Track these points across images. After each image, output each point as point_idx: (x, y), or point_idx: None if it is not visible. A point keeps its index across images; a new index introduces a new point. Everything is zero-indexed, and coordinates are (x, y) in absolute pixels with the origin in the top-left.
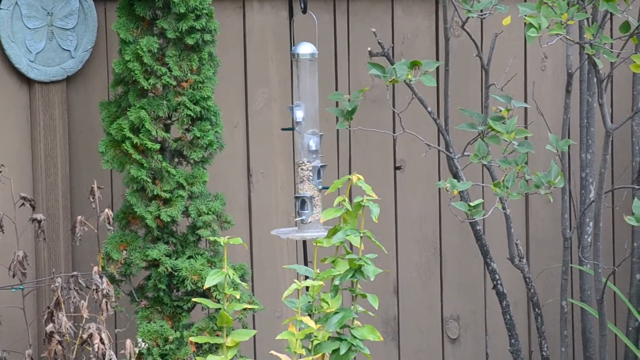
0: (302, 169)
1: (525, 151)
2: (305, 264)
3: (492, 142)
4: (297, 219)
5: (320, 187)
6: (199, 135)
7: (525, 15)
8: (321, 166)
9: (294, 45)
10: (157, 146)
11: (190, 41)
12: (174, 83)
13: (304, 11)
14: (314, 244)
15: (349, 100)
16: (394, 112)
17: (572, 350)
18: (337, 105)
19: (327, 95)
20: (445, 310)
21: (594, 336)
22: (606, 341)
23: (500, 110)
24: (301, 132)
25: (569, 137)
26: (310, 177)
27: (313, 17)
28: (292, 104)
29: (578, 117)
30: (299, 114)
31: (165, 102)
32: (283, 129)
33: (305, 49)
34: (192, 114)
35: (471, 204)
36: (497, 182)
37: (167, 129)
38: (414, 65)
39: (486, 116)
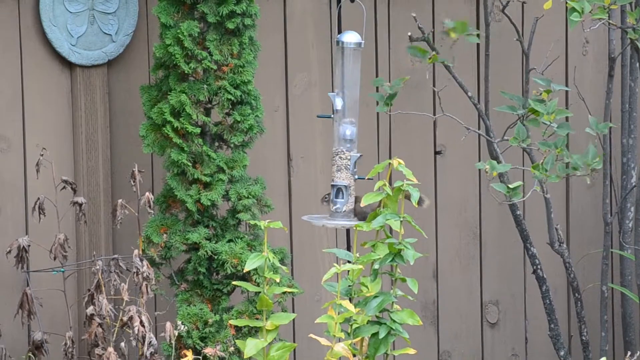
0: (340, 158)
1: (565, 133)
2: (348, 248)
3: (532, 125)
4: (332, 207)
5: (356, 176)
6: (239, 120)
7: (568, 0)
8: (359, 156)
9: (339, 33)
10: (198, 130)
11: (230, 25)
12: (215, 67)
13: (352, 0)
14: (354, 228)
15: (389, 87)
16: (434, 97)
17: (612, 334)
18: (377, 91)
19: (368, 82)
20: (484, 295)
21: (634, 321)
22: None
23: (540, 93)
24: (338, 121)
25: (609, 122)
26: (348, 166)
27: (361, 5)
28: (333, 91)
29: (619, 102)
30: (339, 102)
31: (205, 86)
32: (319, 116)
33: (351, 37)
34: (232, 98)
35: (510, 185)
36: (536, 164)
37: (207, 113)
38: (460, 25)
39: (526, 100)
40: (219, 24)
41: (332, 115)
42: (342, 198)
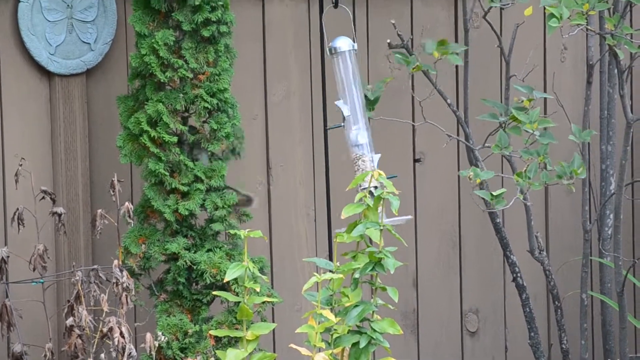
0: (363, 161)
1: (547, 142)
2: (330, 257)
3: (514, 133)
4: None
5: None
6: (215, 128)
7: (547, 6)
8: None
9: (322, 40)
10: (175, 139)
11: (205, 33)
12: (191, 75)
13: (336, 5)
14: (334, 238)
15: (371, 90)
16: (413, 105)
17: (591, 343)
18: None
19: None
20: (464, 303)
21: (613, 329)
22: (626, 334)
23: (522, 101)
24: (351, 128)
25: (589, 129)
26: (373, 168)
27: (346, 10)
28: (337, 99)
29: (598, 108)
30: (346, 110)
31: (182, 95)
32: (330, 127)
33: (344, 43)
34: (209, 107)
35: (494, 193)
36: (520, 172)
37: (184, 122)
38: (442, 44)
39: (507, 107)
40: (194, 32)
41: (343, 124)
42: None
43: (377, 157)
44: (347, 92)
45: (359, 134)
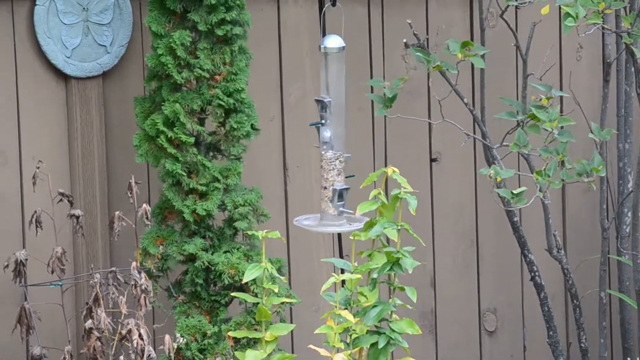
0: (339, 161)
1: (566, 140)
2: (341, 256)
3: (532, 131)
4: (335, 211)
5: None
6: (235, 127)
7: (562, 5)
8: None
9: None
10: (192, 139)
11: (220, 32)
12: (207, 76)
13: (334, 4)
14: (351, 237)
15: (388, 88)
16: (429, 104)
17: (610, 341)
18: (371, 91)
19: (362, 87)
20: (482, 303)
21: (632, 327)
22: None
23: (540, 99)
24: (328, 125)
25: (606, 127)
26: (343, 170)
27: (341, 8)
28: (320, 96)
29: (615, 107)
30: (326, 107)
31: (199, 95)
32: (311, 124)
33: (333, 42)
34: (225, 106)
35: (514, 191)
36: (539, 170)
37: (201, 122)
38: (465, 45)
39: (525, 106)
40: (210, 33)
41: (324, 122)
42: (343, 200)
43: (348, 156)
44: (332, 89)
45: (336, 132)
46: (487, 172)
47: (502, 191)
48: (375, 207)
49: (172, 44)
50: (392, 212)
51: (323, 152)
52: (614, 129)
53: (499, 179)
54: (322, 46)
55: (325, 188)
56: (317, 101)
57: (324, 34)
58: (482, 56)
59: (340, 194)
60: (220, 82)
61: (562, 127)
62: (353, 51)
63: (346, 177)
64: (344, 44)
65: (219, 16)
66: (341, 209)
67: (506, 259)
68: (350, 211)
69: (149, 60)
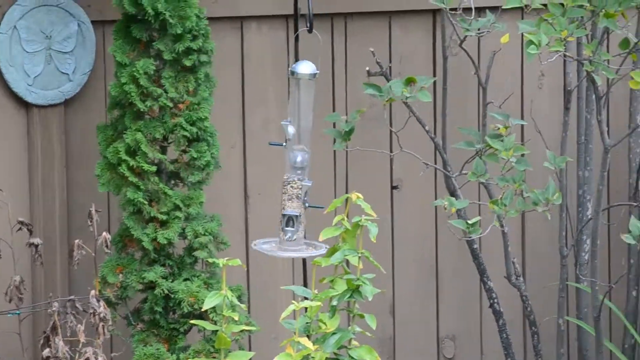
0: (291, 187)
1: (523, 168)
2: (305, 284)
3: (490, 160)
4: (284, 237)
5: (307, 205)
6: (195, 157)
7: (525, 32)
8: (309, 185)
9: (294, 64)
10: (154, 168)
11: (187, 62)
12: (171, 105)
13: (310, 30)
14: (312, 264)
15: (346, 121)
16: (390, 132)
17: None
18: (334, 126)
19: (324, 114)
20: (441, 330)
21: (590, 354)
22: (603, 359)
23: (498, 128)
24: (290, 149)
25: (566, 155)
26: (299, 195)
27: (318, 37)
28: (286, 120)
29: (575, 134)
30: (291, 130)
31: (161, 124)
32: (270, 144)
33: (305, 68)
34: (188, 135)
35: (469, 221)
36: (495, 199)
37: (163, 150)
38: (409, 81)
39: (484, 134)
40: (175, 61)
41: (285, 144)
42: (293, 227)
43: (307, 185)
44: (300, 115)
45: (299, 156)
46: (441, 202)
47: (456, 222)
48: (338, 233)
49: (135, 73)
50: (354, 238)
51: (284, 176)
52: (573, 156)
53: (453, 210)
54: (294, 71)
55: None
56: (284, 125)
57: (296, 59)
58: (443, 80)
59: (289, 220)
60: (184, 111)
61: (522, 155)
62: (317, 79)
63: (311, 207)
64: (316, 71)
65: (185, 44)
66: (290, 235)
67: (465, 286)
68: (298, 238)
69: (112, 88)
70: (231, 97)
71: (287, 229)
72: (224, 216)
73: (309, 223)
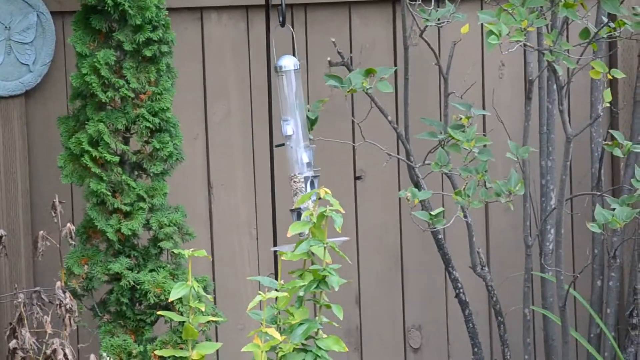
0: (294, 182)
1: (485, 159)
2: (276, 276)
3: (453, 151)
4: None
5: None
6: (158, 147)
7: (485, 23)
8: (313, 177)
9: (269, 58)
10: (117, 159)
11: (147, 53)
12: (132, 95)
13: (282, 24)
14: (279, 255)
15: (308, 111)
16: (353, 122)
17: (534, 357)
18: None
19: None
20: (407, 320)
21: (556, 343)
22: (569, 348)
23: (460, 119)
24: (293, 146)
25: (528, 145)
26: (303, 189)
27: (290, 29)
28: (281, 117)
29: (537, 124)
30: (289, 128)
31: (123, 114)
32: (276, 146)
33: (289, 61)
34: (151, 126)
35: (432, 212)
36: (458, 190)
37: (126, 141)
38: (369, 73)
39: (446, 124)
40: (135, 52)
41: (287, 142)
42: None
43: (316, 178)
44: (291, 110)
45: (301, 153)
46: (404, 194)
47: (420, 213)
48: (307, 227)
49: (96, 64)
50: (322, 231)
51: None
52: (535, 146)
53: (416, 201)
54: (278, 66)
55: None
56: (283, 124)
57: (268, 56)
58: (405, 70)
59: (299, 215)
60: (146, 102)
61: (484, 146)
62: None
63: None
64: (298, 63)
65: (145, 35)
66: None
67: (430, 276)
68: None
69: (73, 79)
70: (193, 88)
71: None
72: (187, 207)
73: (280, 220)
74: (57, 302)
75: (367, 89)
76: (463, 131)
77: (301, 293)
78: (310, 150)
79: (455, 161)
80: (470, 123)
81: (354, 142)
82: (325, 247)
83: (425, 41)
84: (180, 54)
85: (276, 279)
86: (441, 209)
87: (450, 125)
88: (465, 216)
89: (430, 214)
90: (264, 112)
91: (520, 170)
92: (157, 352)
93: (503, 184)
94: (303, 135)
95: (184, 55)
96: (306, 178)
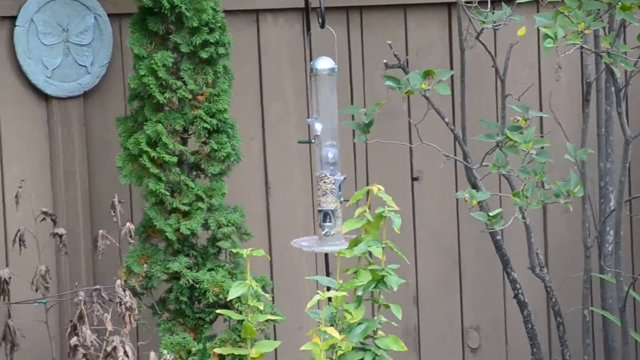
0: (324, 182)
1: (544, 160)
2: (327, 274)
3: (511, 152)
4: (322, 232)
5: (342, 199)
6: (216, 148)
7: (541, 26)
8: (343, 179)
9: (311, 60)
10: (175, 159)
11: (204, 55)
12: (190, 96)
13: (322, 26)
14: (336, 254)
15: (365, 114)
16: (409, 124)
17: (593, 358)
18: (352, 119)
19: (342, 108)
20: (465, 321)
21: (616, 344)
22: (629, 349)
23: (518, 120)
24: (320, 145)
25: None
26: (333, 190)
27: (332, 32)
28: (310, 117)
29: (595, 126)
30: (318, 127)
31: (181, 115)
32: (299, 142)
33: (324, 63)
34: (208, 127)
35: (490, 213)
36: (517, 191)
37: (184, 142)
38: (427, 74)
39: (503, 126)
40: (192, 54)
41: (313, 141)
42: (330, 222)
43: (340, 179)
44: (324, 111)
45: (329, 152)
46: (462, 195)
47: (478, 214)
48: (360, 225)
49: (153, 65)
50: (377, 229)
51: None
52: (593, 148)
53: (474, 202)
54: (313, 68)
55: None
56: (310, 122)
57: (311, 57)
58: (461, 73)
59: (326, 215)
60: (203, 103)
61: (542, 148)
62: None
63: (344, 201)
64: (335, 65)
65: (202, 37)
66: (328, 230)
67: (488, 277)
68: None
69: (130, 80)
70: (249, 89)
71: (324, 224)
72: (245, 207)
73: None
74: (117, 300)
75: (425, 91)
76: (521, 133)
77: (360, 293)
78: (336, 150)
79: (514, 163)
80: (528, 125)
81: (410, 143)
82: (383, 247)
83: (482, 43)
84: (237, 55)
85: (328, 276)
86: (499, 210)
87: (507, 126)
88: (523, 217)
89: (488, 215)
90: None
91: (578, 172)
92: (217, 350)
93: (562, 185)
94: (331, 136)
95: (240, 57)
96: (336, 180)
